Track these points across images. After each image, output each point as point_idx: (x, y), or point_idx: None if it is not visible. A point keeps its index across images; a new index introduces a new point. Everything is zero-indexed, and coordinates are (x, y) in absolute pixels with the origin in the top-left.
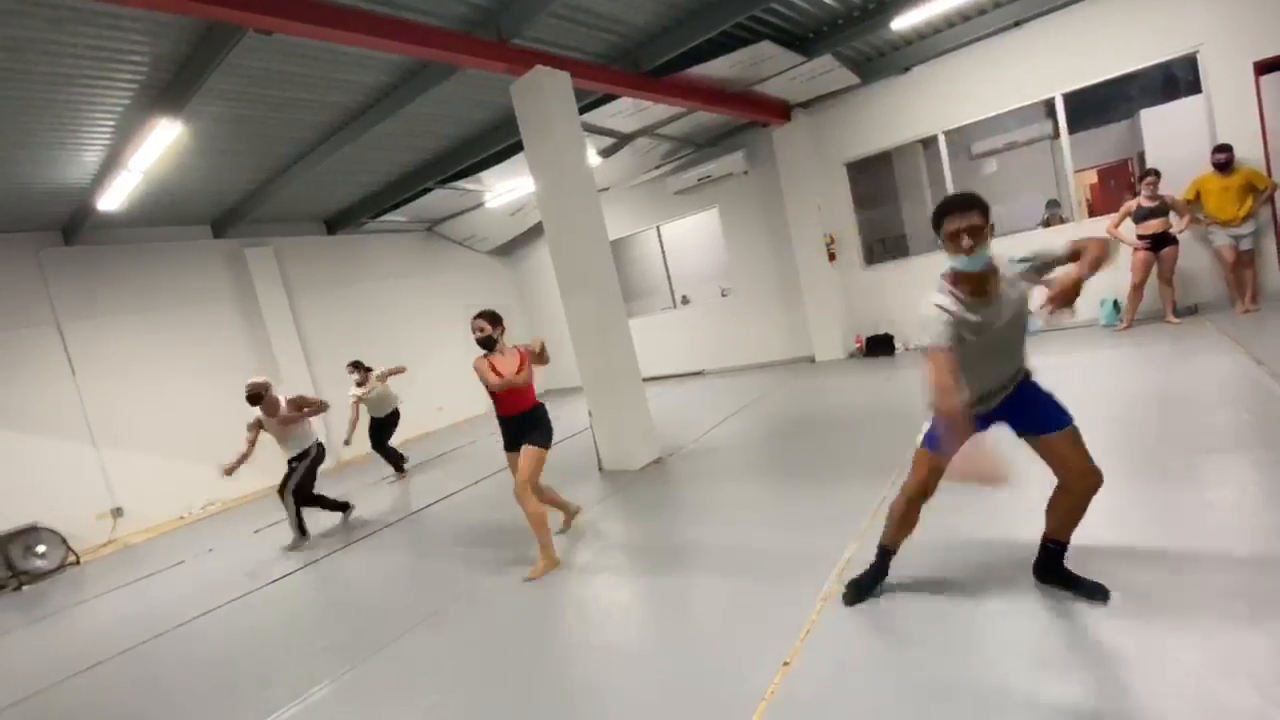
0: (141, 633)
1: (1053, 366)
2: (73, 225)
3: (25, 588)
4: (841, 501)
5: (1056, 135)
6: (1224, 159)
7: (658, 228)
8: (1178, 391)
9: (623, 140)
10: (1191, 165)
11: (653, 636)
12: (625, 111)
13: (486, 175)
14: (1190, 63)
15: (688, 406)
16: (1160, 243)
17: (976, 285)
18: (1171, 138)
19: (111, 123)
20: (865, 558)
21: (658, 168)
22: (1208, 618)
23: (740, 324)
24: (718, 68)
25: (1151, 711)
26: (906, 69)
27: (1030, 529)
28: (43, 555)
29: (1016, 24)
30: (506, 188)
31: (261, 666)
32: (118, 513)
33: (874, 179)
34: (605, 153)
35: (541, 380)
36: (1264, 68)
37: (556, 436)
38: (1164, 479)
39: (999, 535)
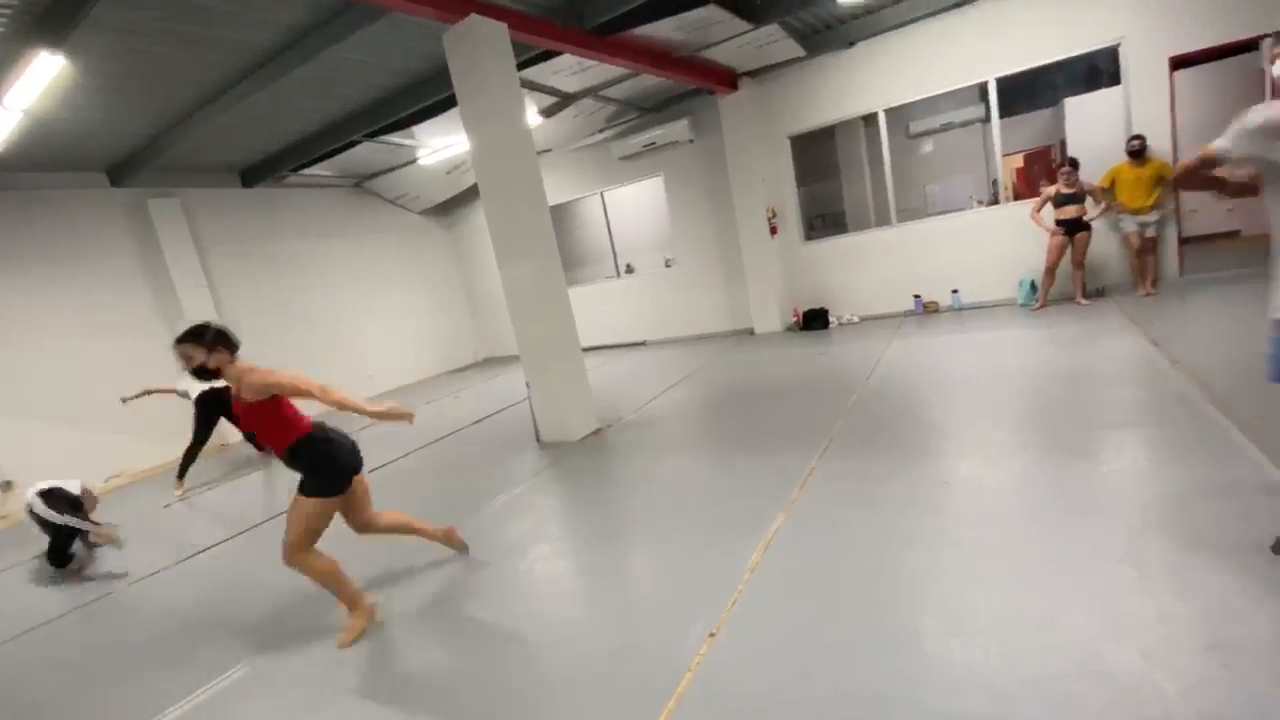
0: None
1: (973, 342)
2: None
3: None
4: (773, 472)
5: (988, 119)
6: (1138, 146)
7: (602, 194)
8: (1082, 369)
9: (565, 100)
10: (1109, 153)
11: (581, 611)
12: (568, 69)
13: (420, 129)
14: (1112, 54)
15: (629, 377)
16: (1075, 228)
17: None
18: (1092, 126)
19: None
20: (794, 527)
21: (601, 131)
22: (1097, 581)
23: (683, 295)
24: (664, 29)
25: (1041, 671)
26: (851, 44)
27: None
28: None
29: (957, 5)
30: (442, 144)
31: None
32: (6, 486)
33: (816, 154)
34: (547, 112)
35: (479, 348)
36: (1178, 63)
37: (494, 406)
38: (1065, 451)
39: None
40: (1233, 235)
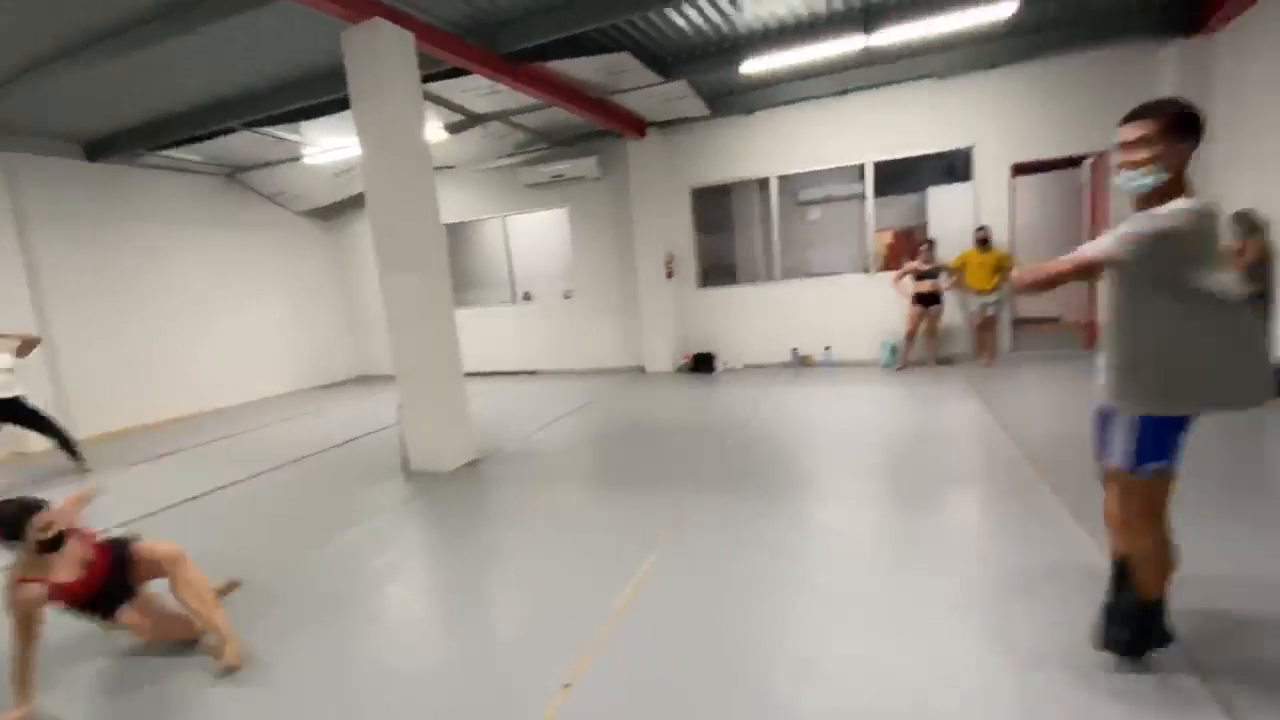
0: None
1: (840, 396)
2: None
3: None
4: (648, 512)
5: (865, 196)
6: (983, 236)
7: (505, 219)
8: (930, 428)
9: (473, 119)
10: (962, 238)
11: (434, 657)
12: (479, 90)
13: (308, 126)
14: (967, 155)
15: (516, 406)
16: (930, 301)
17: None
18: (948, 214)
19: None
20: (661, 569)
21: (510, 156)
22: (932, 629)
23: (579, 327)
24: (578, 67)
25: (872, 710)
26: (751, 112)
27: None
28: None
29: (843, 92)
30: (332, 144)
31: None
32: None
33: (716, 207)
34: (453, 128)
35: (351, 365)
36: (1019, 169)
37: (362, 428)
38: (910, 504)
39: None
40: (1054, 320)
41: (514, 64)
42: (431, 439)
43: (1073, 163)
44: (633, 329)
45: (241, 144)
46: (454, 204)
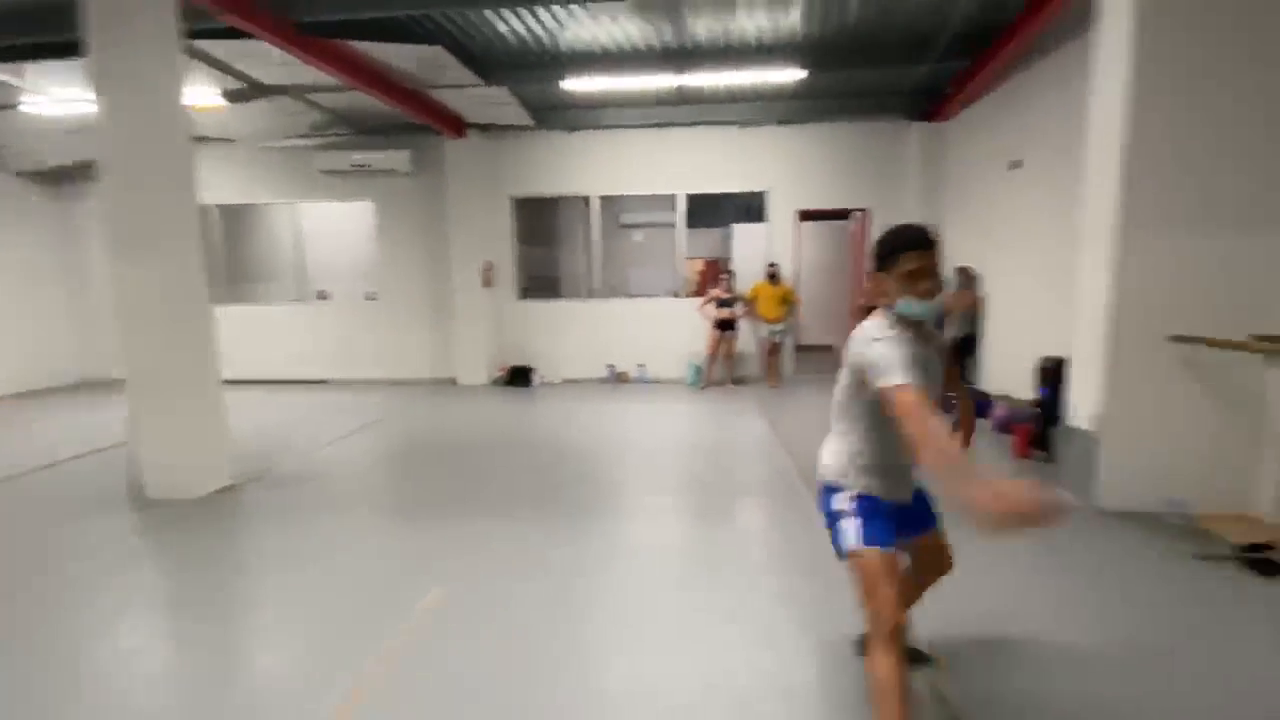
0: None
1: (649, 412)
2: None
3: None
4: (442, 539)
5: (676, 225)
6: (773, 272)
7: (295, 205)
8: (725, 443)
9: (258, 90)
10: (759, 272)
11: None
12: (268, 59)
13: (33, 68)
14: (763, 198)
15: (298, 421)
16: (728, 326)
17: (916, 335)
18: (748, 248)
19: None
20: (450, 602)
21: (304, 137)
22: (711, 639)
23: (383, 333)
24: (388, 53)
25: None
26: (574, 129)
27: None
28: None
29: (659, 125)
30: (67, 95)
31: None
32: None
33: (541, 218)
34: (233, 96)
35: (78, 366)
36: (805, 215)
37: (85, 445)
38: (700, 518)
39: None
40: (828, 348)
41: (309, 36)
42: (174, 459)
43: (844, 214)
44: (445, 338)
45: None
46: (231, 183)
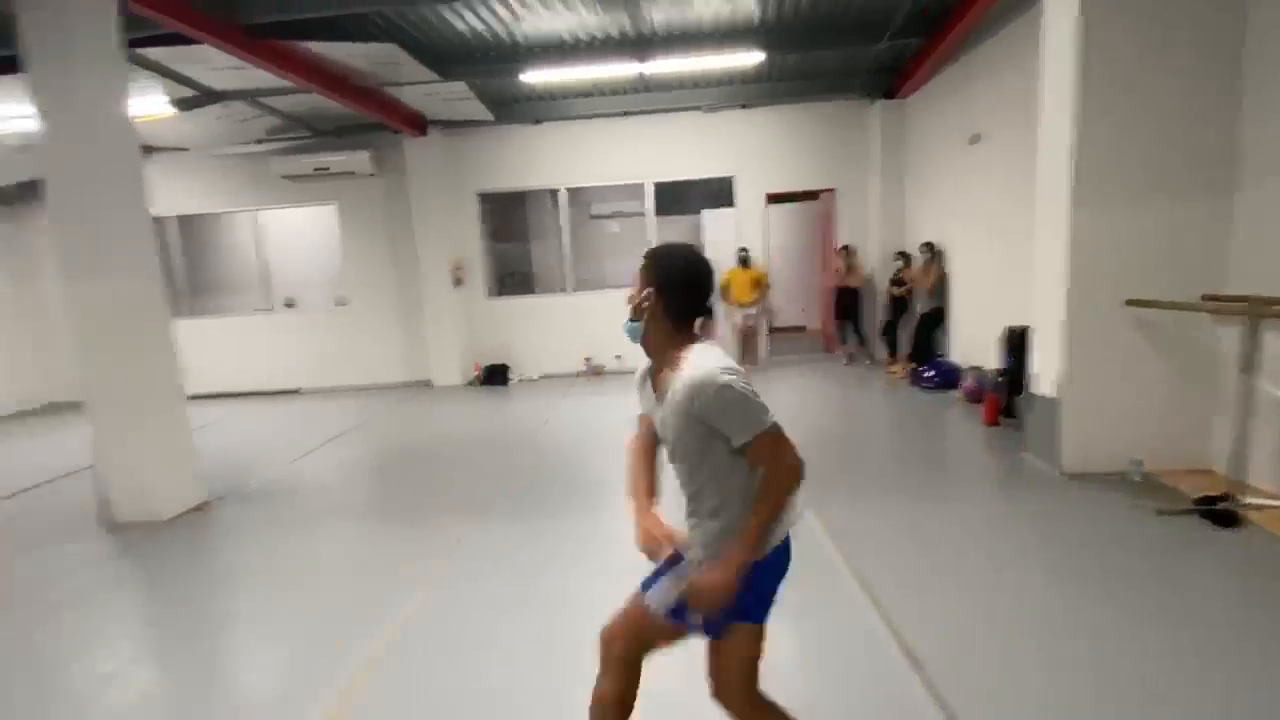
0: None
1: (625, 405)
2: None
3: None
4: (424, 543)
5: (645, 214)
6: (743, 256)
7: (256, 212)
8: None
9: (208, 96)
10: (729, 258)
11: None
12: (213, 64)
13: None
14: (730, 183)
15: (269, 433)
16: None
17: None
18: (718, 234)
19: None
20: (437, 605)
21: (261, 142)
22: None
23: (354, 339)
24: (339, 52)
25: None
26: (538, 121)
27: None
28: None
29: (623, 114)
30: (10, 111)
31: None
32: None
33: (508, 214)
34: (184, 104)
35: (37, 390)
36: (773, 198)
37: (49, 472)
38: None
39: None
40: (801, 329)
41: (258, 39)
42: (140, 480)
43: (813, 196)
44: (416, 340)
45: None
46: (187, 193)
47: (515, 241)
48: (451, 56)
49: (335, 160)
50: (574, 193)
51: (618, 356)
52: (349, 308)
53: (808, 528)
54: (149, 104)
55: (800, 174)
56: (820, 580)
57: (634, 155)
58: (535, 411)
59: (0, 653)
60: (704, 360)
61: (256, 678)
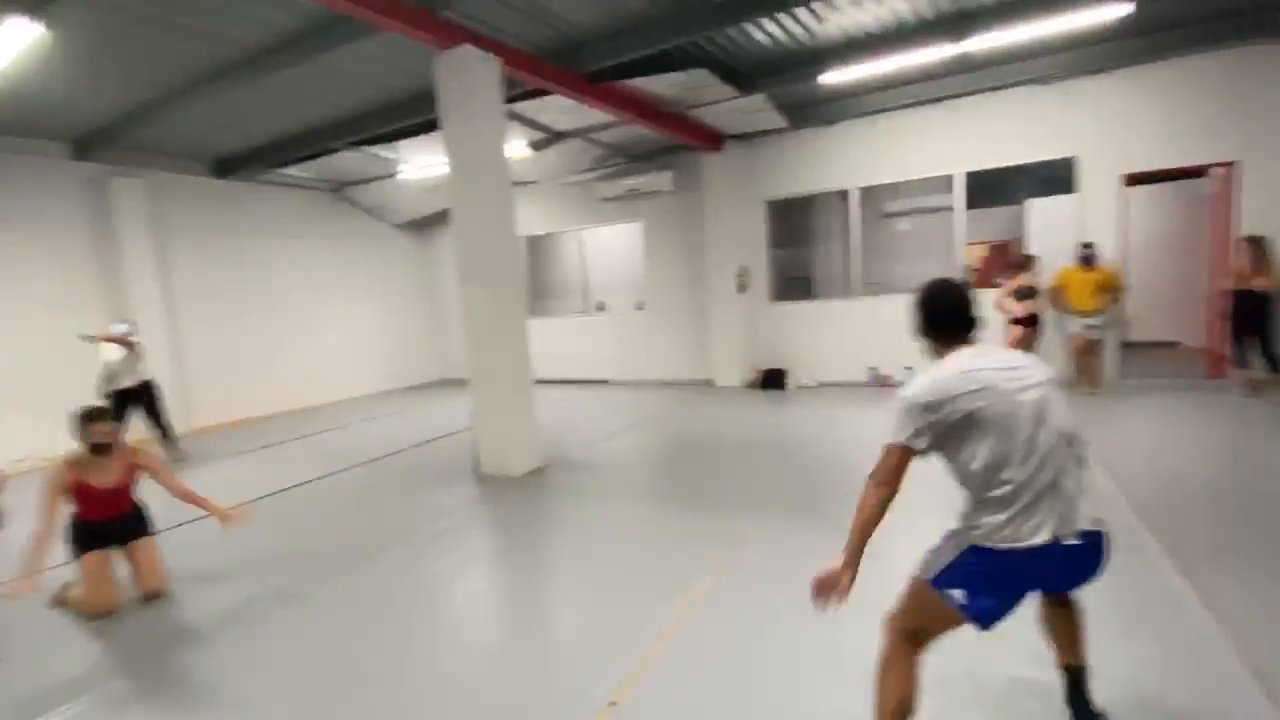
0: None
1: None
2: None
3: None
4: (707, 532)
5: (954, 209)
6: (1088, 254)
7: (580, 231)
8: None
9: (554, 137)
10: (1063, 255)
11: (486, 661)
12: (561, 109)
13: (404, 145)
14: (1070, 165)
15: (584, 415)
16: (1030, 321)
17: None
18: (1049, 228)
19: None
20: (716, 593)
21: (588, 171)
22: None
23: (650, 339)
24: (657, 84)
25: None
26: (832, 122)
27: None
28: None
29: (930, 101)
30: (425, 162)
31: None
32: None
33: (795, 219)
34: (537, 145)
35: (436, 368)
36: (1133, 180)
37: (440, 430)
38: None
39: None
40: (1172, 345)
41: (594, 83)
42: (501, 444)
43: (1195, 173)
44: (702, 342)
45: (345, 162)
46: (534, 217)
47: (797, 246)
48: (751, 70)
49: (643, 181)
50: (866, 192)
51: (908, 367)
52: (646, 311)
53: (1175, 594)
54: (514, 148)
55: (1177, 147)
56: (1198, 660)
57: (940, 145)
58: (813, 419)
59: (403, 567)
60: (935, 367)
61: (576, 618)
